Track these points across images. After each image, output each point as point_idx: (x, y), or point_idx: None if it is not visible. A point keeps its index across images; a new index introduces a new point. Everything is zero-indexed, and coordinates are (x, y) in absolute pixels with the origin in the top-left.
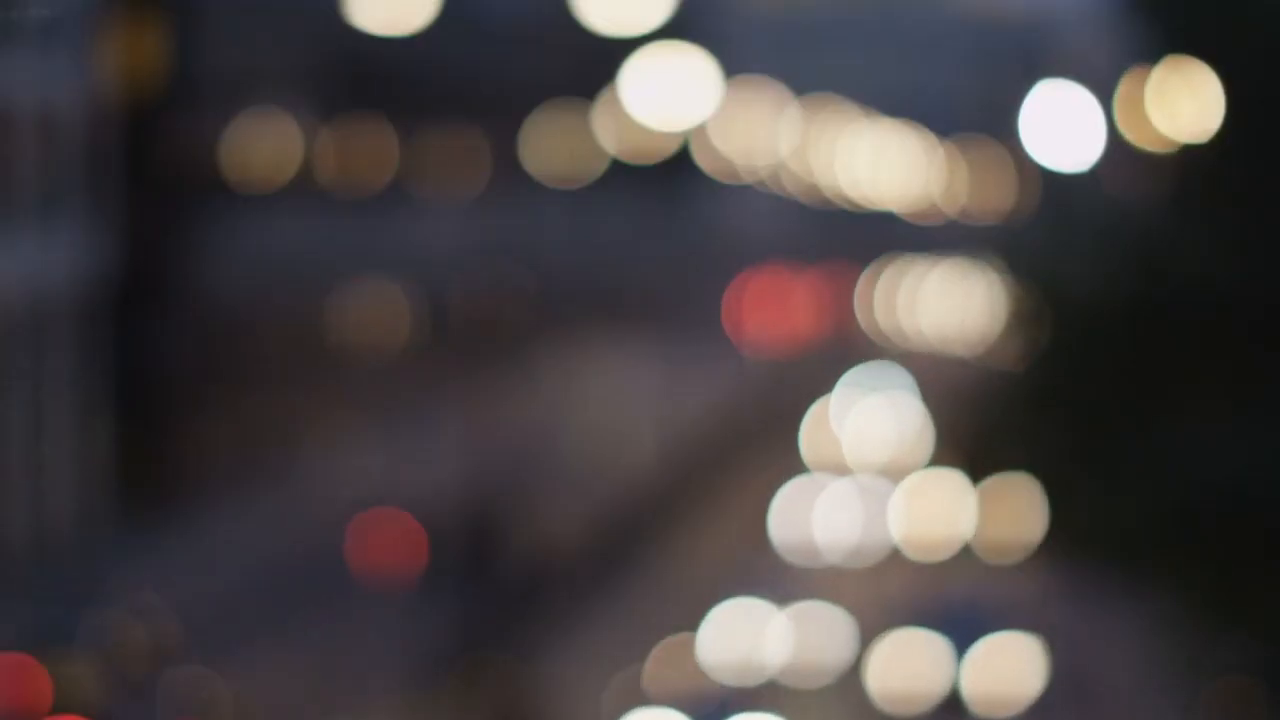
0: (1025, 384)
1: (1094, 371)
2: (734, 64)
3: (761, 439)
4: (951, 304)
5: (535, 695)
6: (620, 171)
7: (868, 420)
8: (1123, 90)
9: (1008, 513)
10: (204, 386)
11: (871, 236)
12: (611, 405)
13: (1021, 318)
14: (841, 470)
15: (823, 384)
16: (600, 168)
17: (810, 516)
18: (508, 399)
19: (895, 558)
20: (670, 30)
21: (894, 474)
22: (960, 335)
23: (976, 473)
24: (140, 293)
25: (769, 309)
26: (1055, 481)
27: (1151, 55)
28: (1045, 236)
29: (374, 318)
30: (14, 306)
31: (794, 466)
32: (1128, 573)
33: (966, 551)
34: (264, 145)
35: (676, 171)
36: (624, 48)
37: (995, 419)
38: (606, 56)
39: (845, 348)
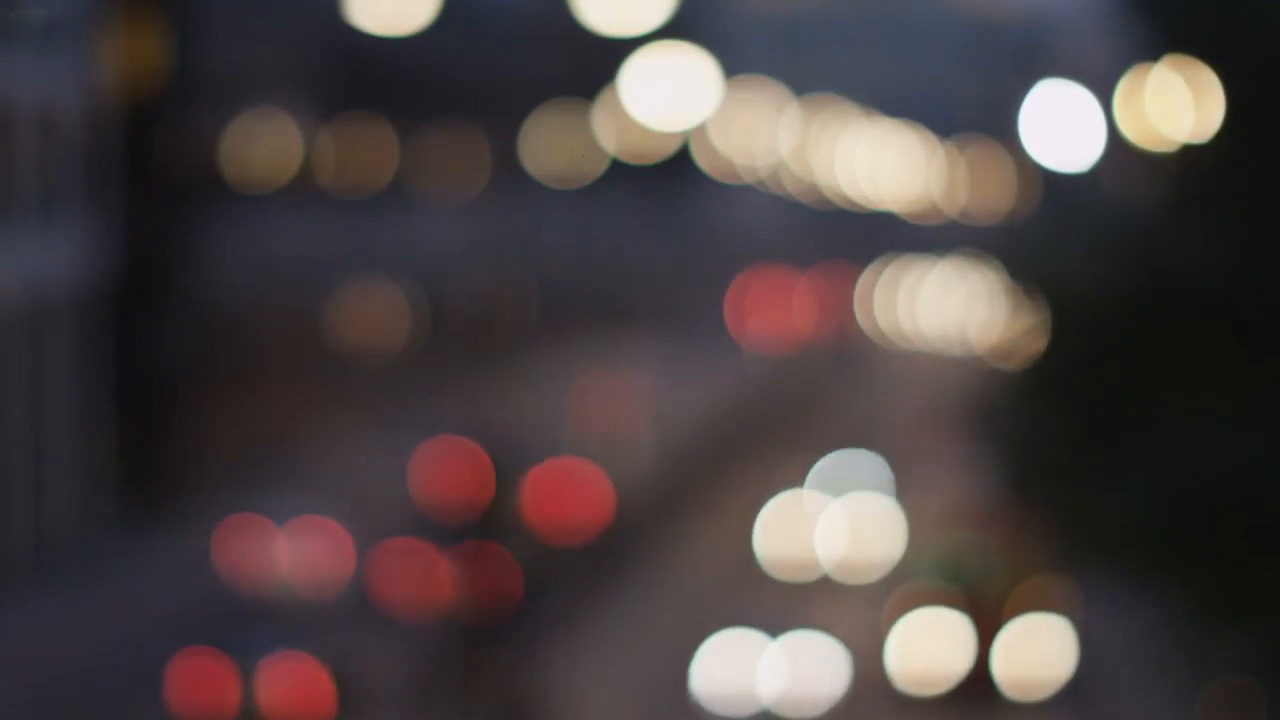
0: (1024, 384)
1: (1094, 371)
2: (734, 64)
3: (759, 443)
4: (951, 304)
5: (536, 695)
6: (620, 171)
7: (837, 528)
8: (1123, 90)
9: (1019, 644)
10: (204, 386)
11: (871, 236)
12: (610, 404)
13: (1021, 318)
14: (806, 577)
15: (820, 385)
16: (600, 168)
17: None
18: (507, 398)
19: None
20: (670, 30)
21: (866, 586)
22: (960, 335)
23: (972, 601)
24: (140, 293)
25: (769, 309)
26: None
27: (1151, 55)
28: (1045, 236)
29: (374, 318)
30: (14, 306)
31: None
32: (1128, 572)
33: (971, 685)
34: (264, 145)
35: (676, 171)
36: (624, 48)
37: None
38: (606, 56)
39: (844, 348)
